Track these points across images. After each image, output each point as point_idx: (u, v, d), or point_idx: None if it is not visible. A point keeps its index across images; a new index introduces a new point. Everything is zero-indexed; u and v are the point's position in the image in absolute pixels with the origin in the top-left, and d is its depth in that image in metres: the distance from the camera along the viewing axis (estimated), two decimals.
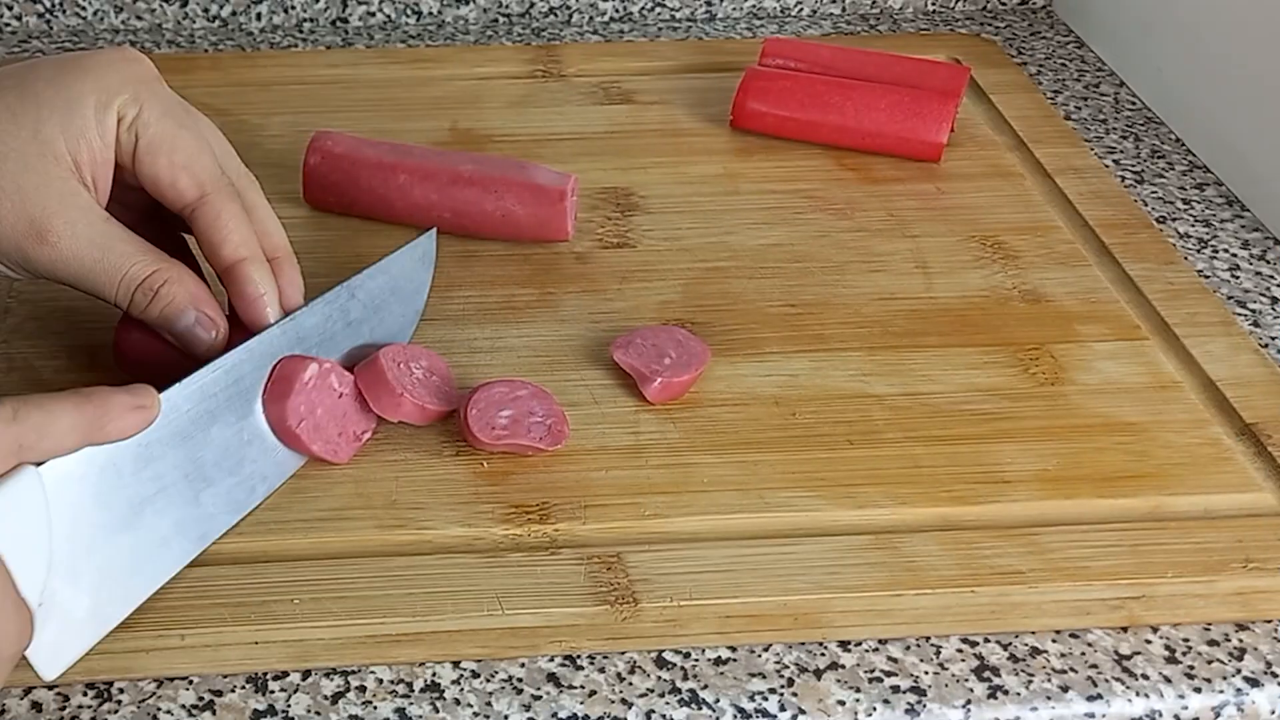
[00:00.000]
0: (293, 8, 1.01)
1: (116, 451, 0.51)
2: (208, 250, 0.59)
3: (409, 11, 1.02)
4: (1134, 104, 0.95)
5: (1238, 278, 0.77)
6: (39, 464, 0.47)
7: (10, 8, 0.98)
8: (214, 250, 0.58)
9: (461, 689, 0.53)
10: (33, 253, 0.55)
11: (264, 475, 0.58)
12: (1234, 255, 0.79)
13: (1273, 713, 0.55)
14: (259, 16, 1.01)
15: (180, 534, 0.55)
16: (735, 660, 0.55)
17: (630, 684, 0.54)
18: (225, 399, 0.56)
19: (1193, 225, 0.82)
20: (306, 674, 0.54)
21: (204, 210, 0.58)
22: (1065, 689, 0.54)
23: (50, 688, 0.53)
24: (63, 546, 0.49)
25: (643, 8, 1.04)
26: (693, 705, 0.53)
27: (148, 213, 0.62)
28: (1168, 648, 0.56)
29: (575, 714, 0.52)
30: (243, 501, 0.58)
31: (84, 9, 0.99)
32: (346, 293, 0.63)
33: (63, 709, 0.52)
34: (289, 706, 0.52)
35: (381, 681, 0.53)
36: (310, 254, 0.65)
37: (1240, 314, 0.74)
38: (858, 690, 0.54)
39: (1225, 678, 0.55)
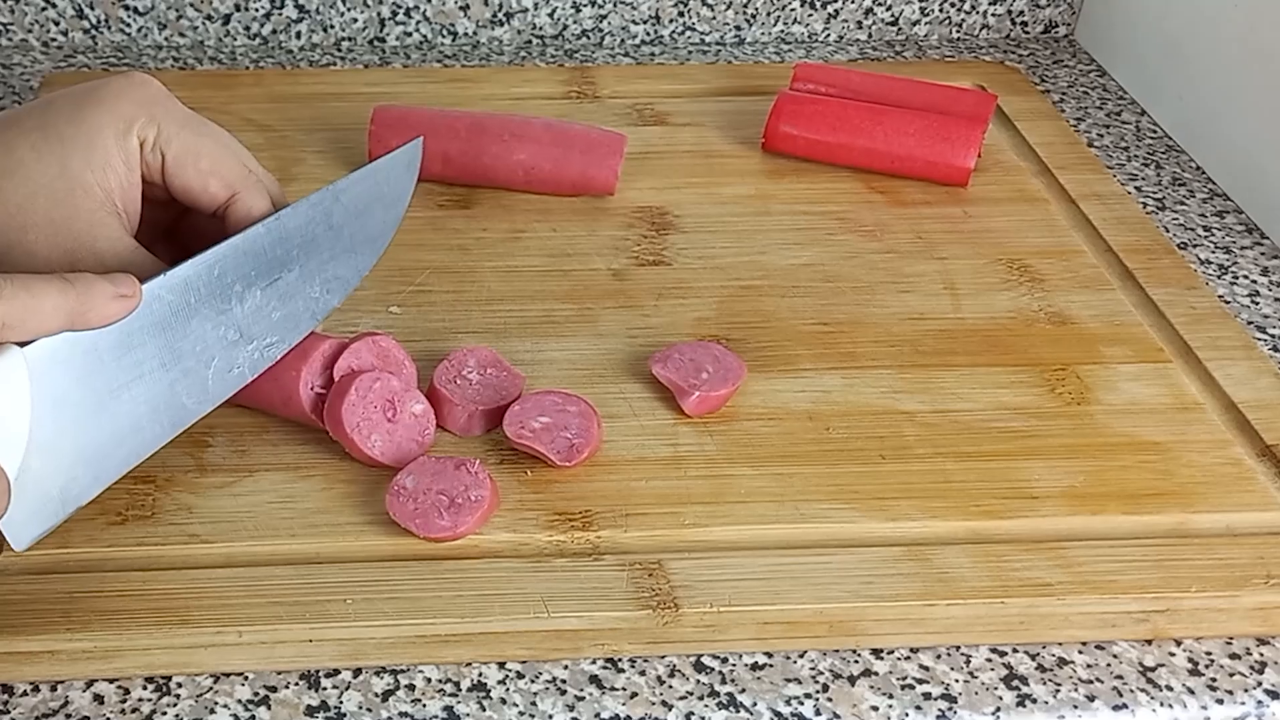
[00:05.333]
0: (331, 27, 1.03)
1: (98, 337, 0.53)
2: None
3: (445, 32, 1.04)
4: (1155, 132, 0.97)
5: (1257, 303, 0.79)
6: (23, 344, 0.50)
7: (57, 23, 1.01)
8: None
9: (507, 689, 0.55)
10: None
11: (238, 368, 0.60)
12: (1254, 282, 0.81)
13: None
14: (299, 35, 1.03)
15: (154, 419, 0.56)
16: (772, 666, 0.56)
17: (670, 687, 0.55)
18: (206, 293, 0.58)
19: (1213, 252, 0.84)
20: (358, 672, 0.55)
21: (236, 207, 0.61)
22: (1091, 699, 0.56)
23: (111, 680, 0.54)
24: (41, 424, 0.51)
25: (673, 31, 1.06)
26: (731, 708, 0.55)
27: (169, 229, 0.65)
28: (1191, 660, 0.58)
29: (617, 715, 0.54)
30: (216, 393, 0.59)
31: (128, 26, 1.01)
32: (331, 196, 0.63)
33: (123, 701, 0.54)
34: (341, 703, 0.54)
35: (430, 680, 0.55)
36: None
37: (1260, 339, 0.76)
38: (890, 696, 0.55)
39: (1247, 690, 0.56)
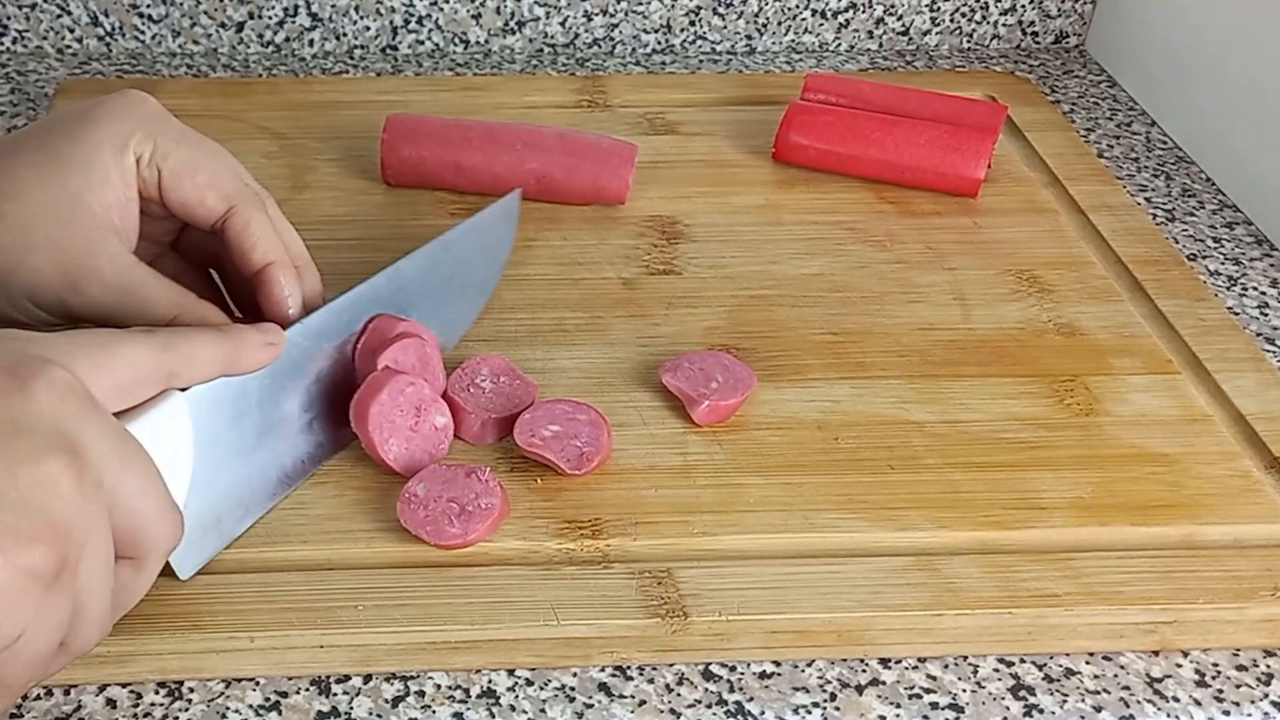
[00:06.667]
0: (344, 35, 1.04)
1: (246, 382, 0.57)
2: (238, 257, 0.61)
3: (457, 40, 1.05)
4: (1165, 143, 0.97)
5: (1266, 315, 0.79)
6: (183, 390, 0.53)
7: (72, 30, 1.01)
8: (244, 256, 0.61)
9: (516, 696, 0.55)
10: (69, 300, 0.58)
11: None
12: (1263, 293, 0.81)
13: None
14: (311, 43, 1.04)
15: (294, 456, 0.61)
16: (780, 674, 0.57)
17: (679, 695, 0.56)
18: (336, 339, 0.62)
19: (1222, 263, 0.84)
20: (368, 678, 0.56)
21: (233, 221, 0.61)
22: (1098, 709, 0.56)
23: (124, 685, 0.55)
24: (200, 463, 0.55)
25: (684, 40, 1.07)
26: (739, 717, 0.55)
27: (172, 245, 0.65)
28: (1198, 671, 0.58)
29: None
30: (345, 435, 0.63)
31: (142, 33, 1.02)
32: (441, 248, 0.68)
33: (136, 706, 0.54)
34: (351, 708, 0.54)
35: (440, 687, 0.56)
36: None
37: (1269, 351, 0.76)
38: (898, 706, 0.56)
39: (1253, 701, 0.57)
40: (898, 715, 0.55)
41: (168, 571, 0.54)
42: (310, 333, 0.60)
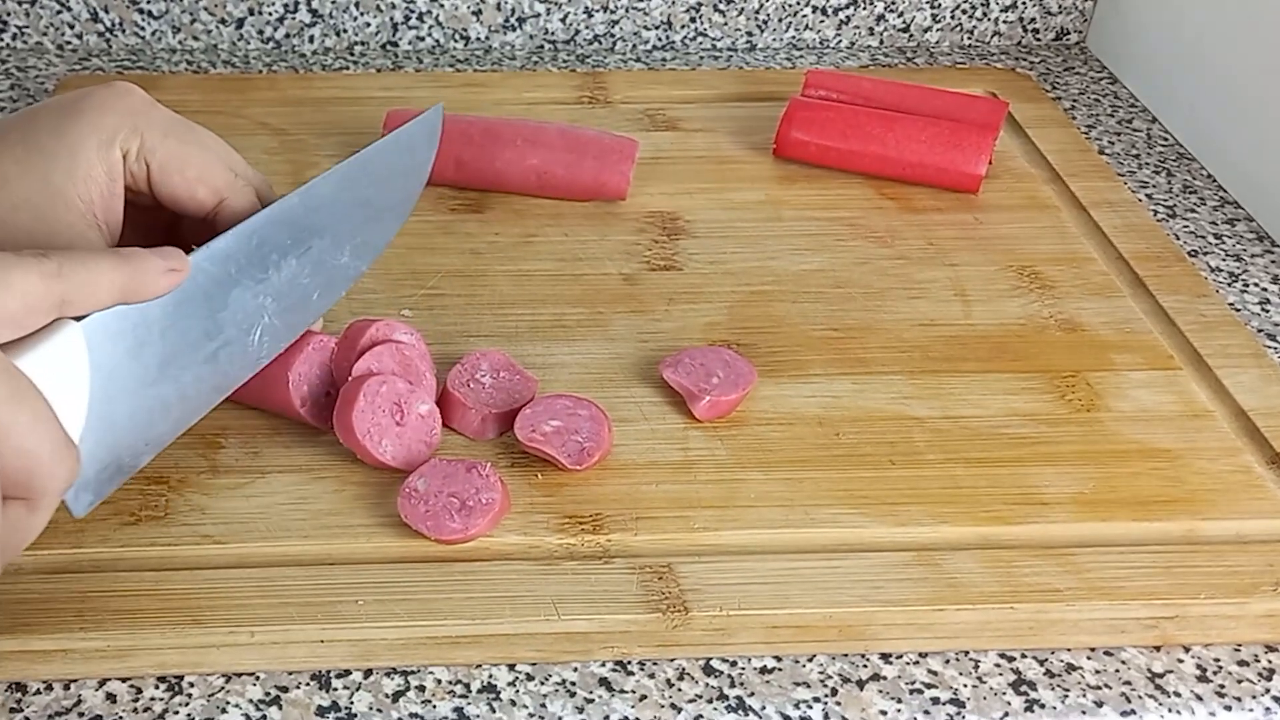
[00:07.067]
0: (344, 31, 1.03)
1: (148, 309, 0.53)
2: None
3: (457, 37, 1.05)
4: (1166, 140, 0.97)
5: (1268, 311, 0.79)
6: (79, 319, 0.50)
7: (72, 26, 1.01)
8: None
9: (517, 691, 0.55)
10: None
11: (275, 335, 0.61)
12: (1264, 290, 0.81)
13: None
14: (311, 39, 1.04)
15: (199, 387, 0.57)
16: (781, 669, 0.57)
17: (679, 690, 0.56)
18: (245, 261, 0.58)
19: (1224, 260, 0.84)
20: (369, 672, 0.56)
21: (224, 214, 0.60)
22: (1100, 704, 0.56)
23: (124, 679, 0.55)
24: (98, 396, 0.51)
25: (685, 37, 1.07)
26: (739, 712, 0.55)
27: (167, 230, 0.64)
28: (1199, 667, 0.58)
29: (626, 717, 0.54)
30: (254, 359, 0.60)
31: (142, 29, 1.02)
32: (357, 167, 0.64)
33: (135, 700, 0.54)
34: (352, 703, 0.54)
35: (440, 682, 0.55)
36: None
37: (1270, 346, 0.76)
38: (899, 701, 0.56)
39: (1255, 697, 0.57)
40: (899, 710, 0.55)
41: (62, 510, 0.51)
42: (217, 257, 0.57)
